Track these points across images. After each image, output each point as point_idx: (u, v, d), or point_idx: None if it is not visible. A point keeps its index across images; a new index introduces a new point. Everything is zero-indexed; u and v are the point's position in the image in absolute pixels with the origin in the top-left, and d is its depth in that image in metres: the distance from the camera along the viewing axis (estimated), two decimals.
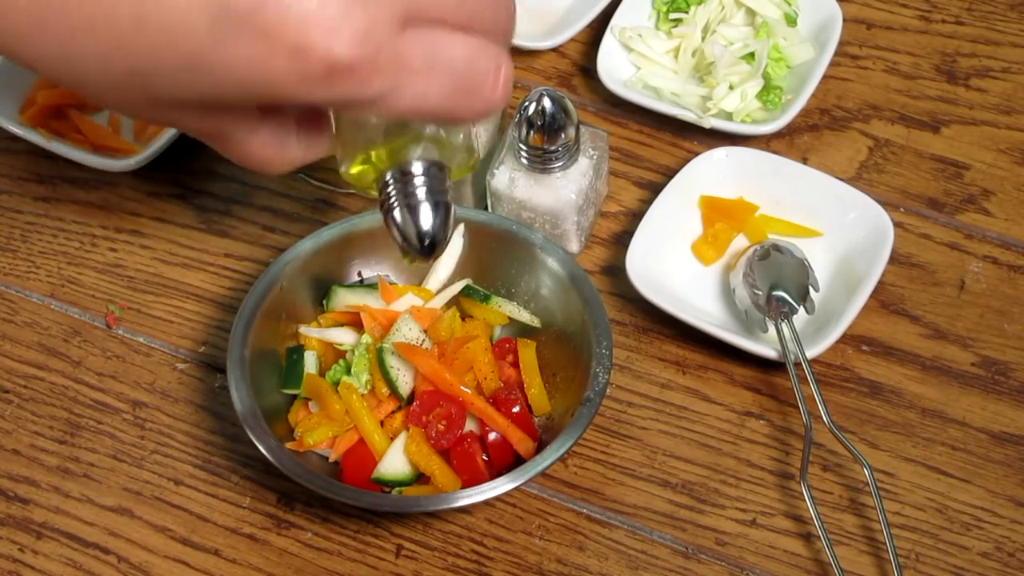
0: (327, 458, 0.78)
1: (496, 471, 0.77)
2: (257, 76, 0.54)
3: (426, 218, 0.63)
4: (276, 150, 0.62)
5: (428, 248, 0.64)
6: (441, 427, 0.76)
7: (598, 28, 0.96)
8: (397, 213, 0.63)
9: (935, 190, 0.90)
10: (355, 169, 0.64)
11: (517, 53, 0.96)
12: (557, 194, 0.83)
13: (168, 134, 0.90)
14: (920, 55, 0.96)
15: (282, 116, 0.62)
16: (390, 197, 0.64)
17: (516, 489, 0.73)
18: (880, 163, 0.91)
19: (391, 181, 0.64)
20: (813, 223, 0.87)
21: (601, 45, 0.93)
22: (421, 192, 0.63)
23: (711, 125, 0.90)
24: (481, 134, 0.86)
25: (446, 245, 0.65)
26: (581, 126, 0.83)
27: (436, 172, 0.64)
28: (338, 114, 0.64)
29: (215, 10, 0.52)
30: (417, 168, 0.63)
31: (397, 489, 0.77)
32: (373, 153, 0.63)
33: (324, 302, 0.82)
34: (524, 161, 0.83)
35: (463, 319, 0.81)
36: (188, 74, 0.55)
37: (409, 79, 0.55)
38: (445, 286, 0.83)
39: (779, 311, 0.81)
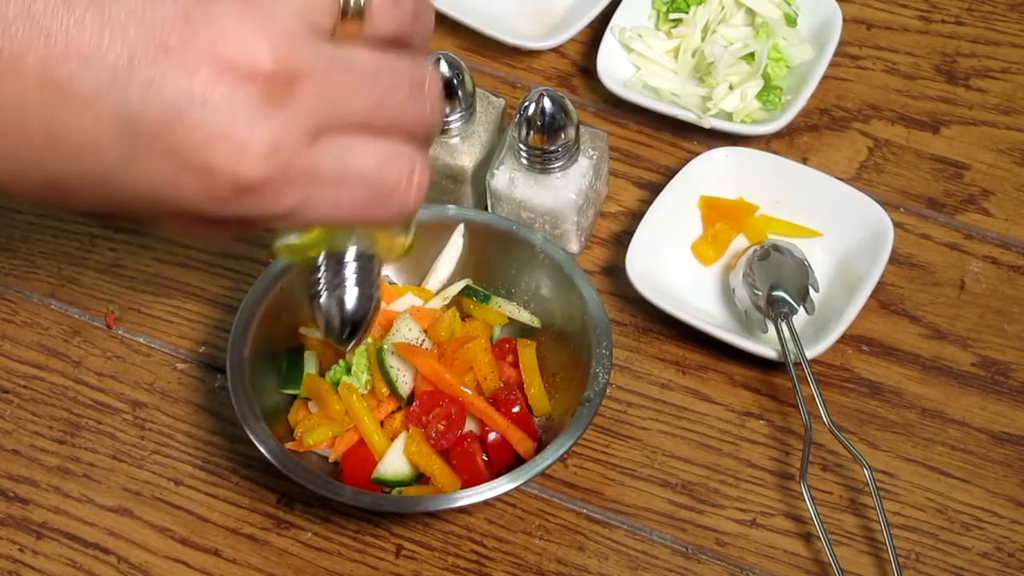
0: (327, 458, 0.78)
1: (496, 471, 0.77)
2: (165, 194, 0.53)
3: (349, 308, 0.64)
4: (211, 231, 0.60)
5: (347, 338, 0.65)
6: (441, 427, 0.76)
7: (598, 28, 0.96)
8: (323, 300, 0.65)
9: (935, 190, 0.90)
10: (287, 249, 0.65)
11: (517, 53, 0.96)
12: (557, 194, 0.83)
13: None
14: (920, 55, 0.96)
15: None
16: (318, 283, 0.65)
17: (516, 489, 0.73)
18: (880, 163, 0.91)
19: (321, 266, 0.65)
20: (813, 223, 0.87)
21: (601, 45, 0.93)
22: (348, 282, 0.64)
23: (711, 125, 0.90)
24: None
25: (366, 336, 0.66)
26: (581, 126, 0.83)
27: (366, 262, 0.65)
28: None
29: (121, 128, 0.51)
30: (348, 256, 0.64)
31: (397, 489, 0.77)
32: (305, 237, 0.64)
33: None
34: (524, 161, 0.83)
35: (463, 319, 0.81)
36: (100, 190, 0.54)
37: (319, 191, 0.54)
38: (445, 286, 0.83)
39: (779, 311, 0.81)
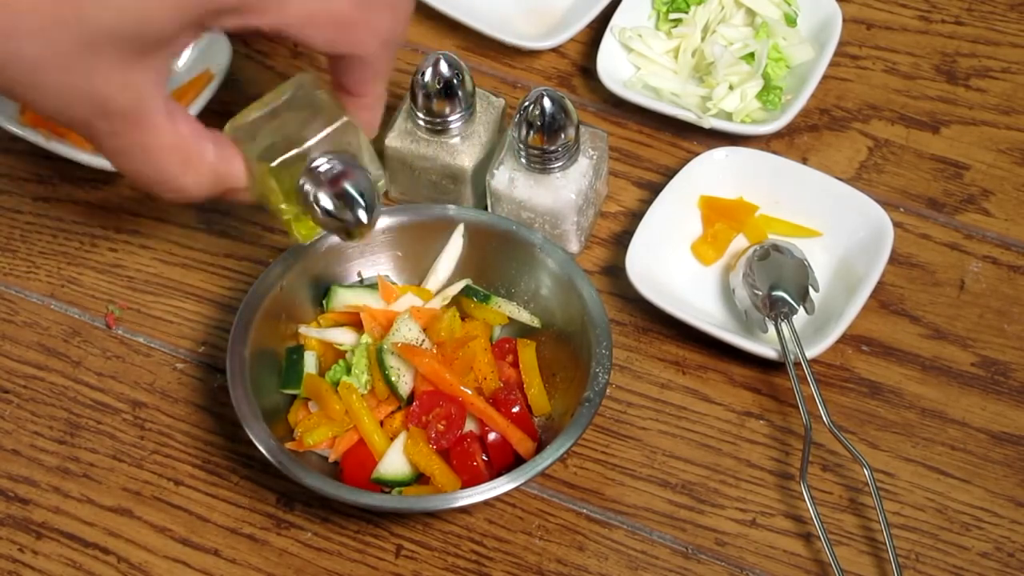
0: (327, 458, 0.78)
1: (496, 471, 0.77)
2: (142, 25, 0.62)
3: (350, 184, 0.68)
4: (184, 156, 0.66)
5: (367, 211, 0.69)
6: (441, 427, 0.76)
7: (598, 28, 0.95)
8: (322, 196, 0.68)
9: (935, 190, 0.90)
10: (271, 195, 0.69)
11: (517, 53, 0.96)
12: (557, 194, 0.83)
13: None
14: (920, 55, 0.96)
15: (193, 122, 0.68)
16: (308, 193, 0.68)
17: (516, 489, 0.73)
18: (880, 163, 0.91)
19: (303, 181, 0.68)
20: (813, 223, 0.87)
21: (601, 45, 0.93)
22: (334, 169, 0.68)
23: (711, 125, 0.90)
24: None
25: (379, 207, 0.70)
26: (581, 126, 0.83)
27: (339, 153, 0.69)
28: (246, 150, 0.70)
29: None
30: (320, 160, 0.68)
31: (397, 489, 0.77)
32: (277, 183, 0.69)
33: (324, 302, 0.82)
34: (524, 161, 0.83)
35: (463, 319, 0.81)
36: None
37: None
38: (445, 286, 0.83)
39: (779, 311, 0.81)
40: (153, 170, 0.67)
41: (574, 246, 0.86)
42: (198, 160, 0.68)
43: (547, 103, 0.81)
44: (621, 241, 0.87)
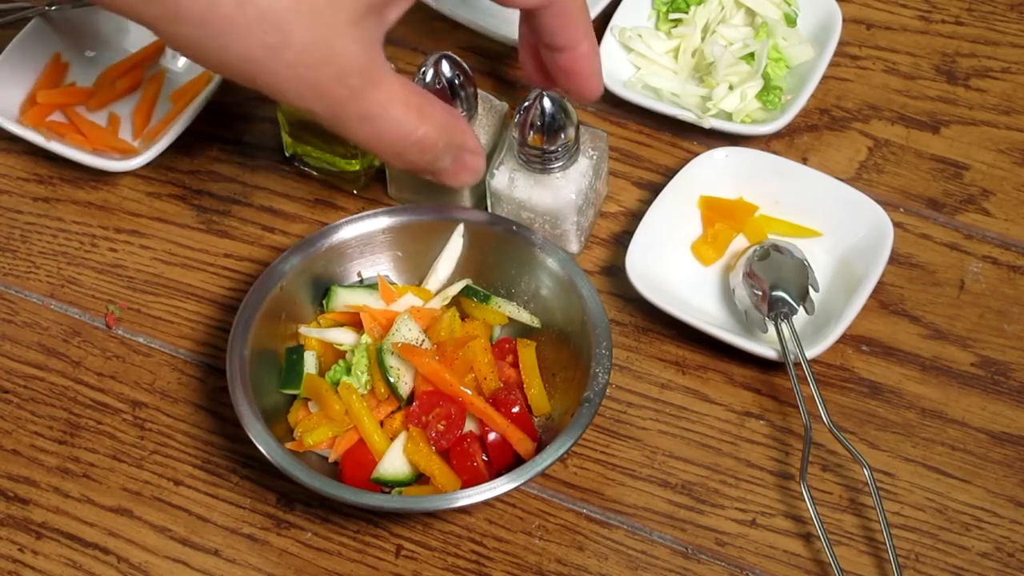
0: (327, 458, 0.78)
1: (496, 471, 0.77)
2: None
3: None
4: (417, 106, 0.69)
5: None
6: (441, 427, 0.76)
7: (598, 28, 0.95)
8: None
9: (935, 190, 0.90)
10: None
11: (517, 53, 0.96)
12: (557, 194, 0.83)
13: (168, 134, 0.90)
14: (920, 55, 0.96)
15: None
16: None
17: (516, 489, 0.73)
18: (880, 163, 0.91)
19: None
20: (813, 223, 0.87)
21: (601, 45, 0.93)
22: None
23: (711, 125, 0.90)
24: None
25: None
26: (581, 126, 0.83)
27: None
28: None
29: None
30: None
31: (397, 489, 0.77)
32: None
33: (324, 302, 0.82)
34: (524, 161, 0.83)
35: (463, 319, 0.81)
36: None
37: None
38: (445, 286, 0.83)
39: (779, 311, 0.81)
40: (394, 126, 0.68)
41: (574, 246, 0.86)
42: (430, 108, 0.70)
43: (547, 103, 0.81)
44: (621, 241, 0.87)
